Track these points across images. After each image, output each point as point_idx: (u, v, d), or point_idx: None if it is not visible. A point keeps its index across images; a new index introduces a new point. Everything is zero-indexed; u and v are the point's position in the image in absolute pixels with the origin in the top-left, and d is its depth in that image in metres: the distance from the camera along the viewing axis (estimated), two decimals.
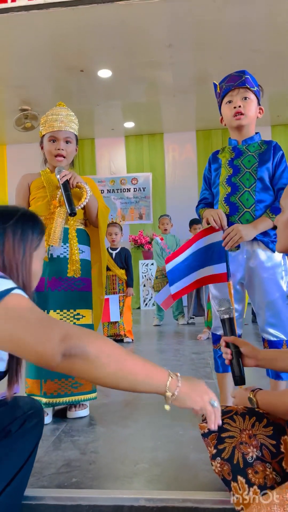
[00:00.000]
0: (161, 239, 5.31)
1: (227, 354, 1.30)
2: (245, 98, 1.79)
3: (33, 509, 1.23)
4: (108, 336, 4.05)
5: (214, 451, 1.17)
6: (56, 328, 0.89)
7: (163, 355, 3.44)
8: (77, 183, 1.89)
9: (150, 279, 7.33)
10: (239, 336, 1.81)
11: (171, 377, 0.99)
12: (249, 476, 1.08)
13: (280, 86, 5.96)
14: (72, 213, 1.80)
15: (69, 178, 1.87)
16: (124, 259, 4.12)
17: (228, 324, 1.35)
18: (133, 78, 5.87)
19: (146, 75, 5.79)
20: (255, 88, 1.82)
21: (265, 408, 1.14)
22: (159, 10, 4.37)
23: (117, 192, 7.95)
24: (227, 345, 1.31)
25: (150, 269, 7.38)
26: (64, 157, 1.96)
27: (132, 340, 4.07)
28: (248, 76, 1.82)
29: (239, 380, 1.29)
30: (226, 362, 1.31)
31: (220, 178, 1.85)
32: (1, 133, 7.66)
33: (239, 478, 1.09)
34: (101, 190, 7.98)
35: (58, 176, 1.87)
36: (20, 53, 5.09)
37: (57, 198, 1.92)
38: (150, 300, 7.45)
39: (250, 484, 1.07)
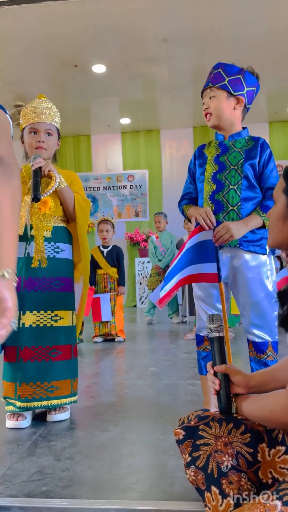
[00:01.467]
0: (157, 237, 5.26)
1: (214, 384, 1.12)
2: (212, 97, 1.77)
3: None
4: (99, 336, 4.00)
5: (189, 458, 1.11)
6: None
7: (155, 354, 3.39)
8: (49, 171, 1.84)
9: (146, 277, 7.28)
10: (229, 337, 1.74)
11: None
12: (223, 487, 1.02)
13: (278, 82, 5.90)
14: (35, 199, 1.75)
15: (43, 166, 1.82)
16: (116, 257, 4.05)
17: (217, 344, 1.15)
18: (129, 74, 5.82)
19: (141, 70, 5.73)
20: (223, 82, 1.74)
21: (246, 415, 1.08)
22: (154, 4, 4.32)
23: (113, 189, 7.89)
24: (215, 373, 1.14)
25: (146, 267, 7.32)
26: (44, 148, 1.90)
27: (124, 339, 4.02)
28: (219, 70, 1.76)
29: (226, 408, 1.11)
30: (213, 392, 1.13)
31: (205, 174, 1.79)
32: None
33: (213, 488, 1.03)
34: (97, 187, 7.92)
35: (31, 163, 1.83)
36: (13, 48, 5.04)
37: (28, 186, 1.87)
38: (146, 298, 7.40)
39: (223, 495, 1.02)
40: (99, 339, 3.99)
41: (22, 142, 1.98)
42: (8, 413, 1.83)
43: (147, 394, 2.25)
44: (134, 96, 6.53)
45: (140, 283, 7.31)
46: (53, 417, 1.85)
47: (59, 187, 1.85)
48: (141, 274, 7.35)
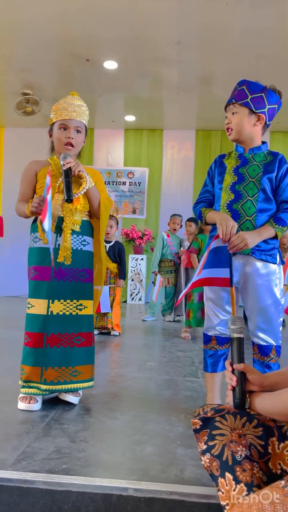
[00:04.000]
0: (168, 236, 5.35)
1: (232, 380, 1.23)
2: (234, 112, 1.86)
3: (24, 492, 1.26)
4: (95, 328, 4.08)
5: (204, 446, 1.21)
6: None
7: (150, 350, 3.49)
8: (78, 171, 1.91)
9: (139, 273, 7.38)
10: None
11: None
12: (237, 474, 1.13)
13: (285, 93, 6.01)
14: (68, 200, 1.83)
15: (72, 166, 1.89)
16: (117, 253, 4.14)
17: (237, 344, 1.26)
18: (139, 72, 5.88)
19: (151, 70, 5.80)
20: (245, 100, 1.84)
21: (259, 410, 1.19)
22: (170, 7, 4.40)
23: (113, 184, 7.96)
24: (233, 371, 1.24)
25: (139, 264, 7.42)
26: (73, 146, 1.98)
27: (119, 333, 4.11)
28: (243, 87, 1.86)
29: (240, 403, 1.22)
30: (229, 388, 1.24)
31: (223, 183, 1.89)
32: (0, 115, 7.59)
33: (227, 474, 1.14)
34: None
35: (62, 162, 1.89)
36: (26, 36, 5.07)
37: (57, 184, 1.95)
38: (137, 294, 7.50)
39: (237, 481, 1.12)
40: (95, 332, 4.08)
41: (50, 136, 2.06)
42: (21, 395, 1.92)
43: (148, 387, 2.35)
44: (141, 94, 6.59)
45: (132, 280, 7.40)
46: (66, 396, 1.95)
47: (88, 187, 1.93)
48: (134, 270, 7.44)
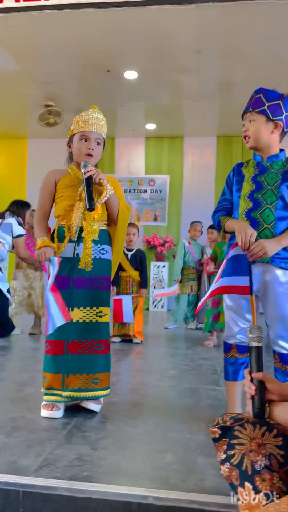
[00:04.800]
0: (189, 243, 5.36)
1: (250, 389, 1.24)
2: (251, 120, 1.87)
3: (46, 499, 1.29)
4: (117, 336, 4.11)
5: (224, 456, 1.22)
6: None
7: (172, 358, 3.49)
8: (99, 179, 1.94)
9: (161, 281, 7.39)
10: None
11: None
12: (257, 483, 1.13)
13: None
14: (90, 208, 1.87)
15: (93, 174, 1.92)
16: (139, 261, 4.17)
17: (255, 353, 1.27)
18: (159, 81, 5.93)
19: (171, 79, 5.84)
20: (262, 108, 1.84)
21: (278, 419, 1.18)
22: (190, 16, 4.42)
23: (134, 192, 8.02)
24: (252, 379, 1.24)
25: (161, 271, 7.44)
26: (92, 156, 2.02)
27: (141, 341, 4.13)
28: (260, 95, 1.86)
29: (259, 412, 1.22)
30: (248, 397, 1.25)
31: (242, 192, 1.90)
32: (24, 126, 7.77)
33: (247, 484, 1.14)
34: None
35: (82, 170, 1.92)
36: (48, 49, 5.18)
37: (78, 192, 1.99)
38: (159, 301, 7.51)
39: (257, 490, 1.12)
40: (117, 339, 4.11)
41: (69, 147, 2.10)
42: (43, 403, 1.96)
43: (169, 396, 2.36)
44: (162, 103, 6.64)
45: (154, 287, 7.42)
46: (88, 404, 1.98)
47: (109, 195, 1.97)
48: (156, 277, 7.46)
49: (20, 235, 4.01)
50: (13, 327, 4.16)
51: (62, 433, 1.74)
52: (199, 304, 1.81)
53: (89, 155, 2.01)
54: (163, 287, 7.26)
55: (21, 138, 8.24)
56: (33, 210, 4.27)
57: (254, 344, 1.28)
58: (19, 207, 4.27)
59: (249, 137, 1.89)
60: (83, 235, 1.96)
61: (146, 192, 8.02)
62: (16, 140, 8.29)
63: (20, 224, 4.08)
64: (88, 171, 1.91)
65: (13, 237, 4.00)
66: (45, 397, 1.95)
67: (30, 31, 4.80)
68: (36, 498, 1.30)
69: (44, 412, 1.92)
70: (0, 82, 6.07)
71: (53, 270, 1.87)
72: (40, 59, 5.45)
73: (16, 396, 2.24)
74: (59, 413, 1.92)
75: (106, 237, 2.07)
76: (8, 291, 4.03)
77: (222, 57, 5.25)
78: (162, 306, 7.51)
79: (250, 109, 1.87)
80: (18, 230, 4.02)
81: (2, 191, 8.18)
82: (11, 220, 4.05)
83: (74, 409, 2.02)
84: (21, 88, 6.24)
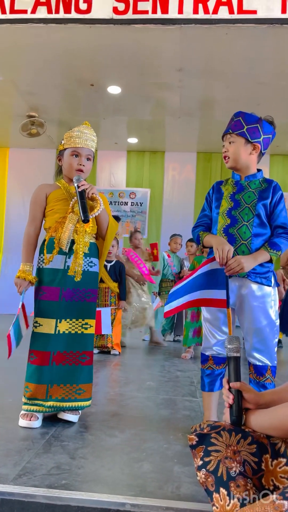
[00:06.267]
0: (168, 256, 5.42)
1: (228, 398, 1.27)
2: (231, 142, 1.95)
3: (25, 506, 1.31)
4: (95, 347, 4.12)
5: (200, 462, 1.26)
6: None
7: (150, 370, 3.52)
8: (92, 194, 1.99)
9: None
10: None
11: None
12: (231, 489, 1.17)
13: (282, 118, 6.15)
14: (85, 220, 1.91)
15: (86, 188, 1.97)
16: (118, 272, 4.21)
17: (234, 363, 1.30)
18: (142, 97, 6.02)
19: (154, 95, 5.94)
20: (241, 130, 1.92)
21: (254, 427, 1.23)
22: (173, 36, 4.51)
23: (115, 204, 8.07)
24: (230, 389, 1.27)
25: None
26: (83, 172, 2.07)
27: (119, 353, 4.14)
28: (239, 118, 1.94)
29: (237, 421, 1.26)
30: (226, 405, 1.28)
31: (220, 209, 1.97)
32: (5, 136, 7.74)
33: (222, 490, 1.18)
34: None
35: (76, 184, 1.96)
36: (33, 61, 5.20)
37: (70, 205, 2.02)
38: None
39: (231, 496, 1.16)
40: (95, 351, 4.11)
41: (59, 160, 2.15)
42: (22, 413, 1.96)
43: (147, 406, 2.39)
44: (144, 118, 6.74)
45: None
46: (65, 415, 1.99)
47: (101, 209, 2.01)
48: None
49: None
50: None
51: (41, 442, 1.75)
52: (167, 309, 1.89)
53: (80, 170, 2.05)
54: None
55: (2, 147, 8.21)
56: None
57: (233, 354, 1.32)
58: None
59: (228, 158, 1.97)
60: (74, 247, 2.00)
61: (126, 204, 8.09)
62: None
63: None
64: (82, 185, 1.95)
65: None
66: (25, 407, 1.95)
67: (16, 42, 4.81)
68: (15, 506, 1.31)
69: (23, 422, 1.92)
70: None
71: (21, 298, 2.01)
72: (24, 69, 5.47)
73: None
74: (37, 423, 1.93)
75: (95, 250, 2.11)
76: None
77: (204, 76, 5.40)
78: None
79: (230, 131, 1.96)
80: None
81: None
82: (117, 236, 4.40)
83: (53, 419, 2.03)
84: (4, 97, 6.24)
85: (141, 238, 5.09)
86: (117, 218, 4.78)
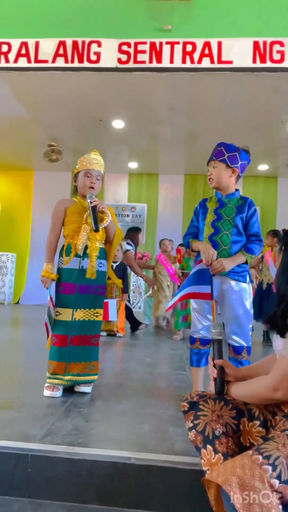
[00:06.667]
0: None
1: (213, 373, 1.27)
2: (214, 167, 1.95)
3: (50, 461, 1.30)
4: (103, 331, 4.11)
5: (191, 424, 1.25)
6: None
7: (148, 349, 3.51)
8: (102, 208, 1.99)
9: (139, 287, 7.44)
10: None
11: None
12: (216, 446, 1.16)
13: (253, 146, 6.18)
14: (96, 230, 1.92)
15: (97, 204, 1.97)
16: (122, 271, 4.21)
17: (217, 345, 1.29)
18: (140, 130, 6.05)
19: (150, 128, 5.97)
20: (223, 157, 1.92)
21: (234, 396, 1.23)
22: (165, 81, 4.55)
23: (118, 216, 8.09)
24: (214, 365, 1.28)
25: (139, 279, 7.48)
26: (94, 189, 2.06)
27: (123, 335, 4.13)
28: (221, 148, 1.94)
29: (219, 391, 1.26)
30: (211, 378, 1.29)
31: (206, 220, 1.97)
32: (31, 161, 7.75)
33: (208, 446, 1.17)
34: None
35: (89, 200, 1.96)
36: (53, 101, 5.23)
37: (84, 217, 2.02)
38: (137, 303, 7.54)
39: (216, 451, 1.16)
40: (104, 334, 4.11)
41: (75, 181, 2.14)
42: (46, 385, 1.95)
43: (146, 379, 2.38)
44: (142, 147, 6.76)
45: (133, 292, 7.45)
46: (81, 388, 1.98)
47: (109, 221, 2.01)
48: (135, 284, 7.50)
49: (127, 250, 4.28)
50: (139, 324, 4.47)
51: (61, 409, 1.74)
52: (169, 304, 1.89)
53: (91, 187, 2.05)
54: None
55: (28, 170, 8.21)
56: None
57: (217, 337, 1.32)
58: (131, 232, 4.63)
59: (212, 179, 1.96)
60: (88, 251, 1.99)
61: (128, 216, 8.11)
62: (24, 172, 8.24)
63: (128, 243, 4.38)
64: (94, 201, 1.95)
65: (123, 253, 4.29)
66: (49, 380, 1.94)
67: (39, 86, 4.85)
68: (41, 460, 1.30)
69: (47, 392, 1.92)
70: (12, 125, 6.07)
71: (51, 292, 2.01)
72: (45, 108, 5.49)
73: (24, 379, 2.23)
74: (59, 393, 1.92)
75: (103, 254, 2.10)
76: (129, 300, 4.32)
77: (190, 114, 5.42)
78: (140, 307, 7.52)
79: (214, 158, 1.95)
80: (126, 247, 4.31)
81: (10, 216, 8.11)
82: (122, 243, 4.40)
83: (71, 390, 2.02)
84: (29, 130, 6.25)
85: (168, 244, 5.00)
86: (137, 229, 4.69)
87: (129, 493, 1.26)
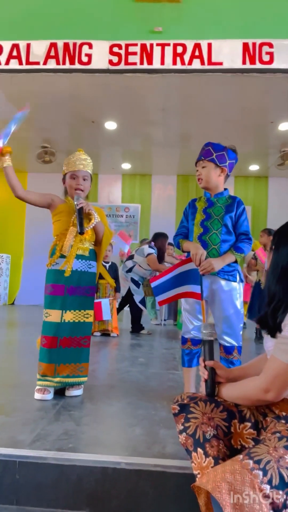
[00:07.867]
0: None
1: (204, 374, 1.23)
2: (203, 166, 1.91)
3: (38, 466, 1.25)
4: (97, 331, 4.06)
5: (181, 427, 1.22)
6: None
7: (141, 348, 3.47)
8: (88, 210, 1.94)
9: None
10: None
11: None
12: (207, 449, 1.13)
13: (244, 147, 6.17)
14: (81, 232, 1.87)
15: (84, 206, 1.92)
16: (114, 271, 4.17)
17: (208, 345, 1.26)
18: (133, 131, 6.00)
19: (143, 129, 5.92)
20: (211, 157, 1.89)
21: (225, 397, 1.19)
22: (157, 82, 4.50)
23: (112, 217, 8.04)
24: (205, 366, 1.24)
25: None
26: (82, 190, 2.01)
27: (117, 335, 4.09)
28: (209, 147, 1.91)
29: (210, 393, 1.22)
30: (202, 380, 1.25)
31: (195, 220, 1.93)
32: (24, 163, 7.67)
33: (199, 449, 1.14)
34: None
35: (76, 202, 1.91)
36: (45, 103, 5.16)
37: (72, 219, 1.98)
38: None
39: (206, 455, 1.12)
40: (98, 334, 4.06)
41: (64, 183, 2.09)
42: (37, 387, 1.90)
43: (139, 379, 2.34)
44: (135, 148, 6.71)
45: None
46: (71, 392, 1.93)
47: (95, 223, 1.96)
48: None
49: (149, 254, 4.25)
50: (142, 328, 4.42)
51: (52, 412, 1.69)
52: (159, 300, 1.86)
53: (78, 189, 2.00)
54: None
55: (22, 172, 8.12)
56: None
57: (207, 338, 1.29)
58: (160, 238, 4.51)
59: (202, 179, 1.92)
60: (70, 251, 1.94)
61: (122, 216, 8.06)
62: (18, 173, 8.08)
63: (150, 247, 4.33)
64: (80, 203, 1.90)
65: (145, 257, 4.24)
66: (39, 382, 1.89)
67: (31, 88, 4.78)
68: (30, 467, 1.26)
69: (37, 395, 1.86)
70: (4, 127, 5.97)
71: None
72: (38, 110, 5.41)
73: (15, 382, 2.17)
74: (49, 396, 1.87)
75: (93, 255, 2.05)
76: (141, 301, 4.25)
77: (182, 115, 5.38)
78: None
79: (202, 158, 1.92)
80: (148, 250, 4.25)
81: (5, 217, 8.02)
82: (144, 246, 4.35)
83: (62, 393, 1.97)
84: (23, 132, 6.15)
85: (172, 249, 5.19)
86: (164, 235, 4.55)
87: (120, 499, 1.22)
